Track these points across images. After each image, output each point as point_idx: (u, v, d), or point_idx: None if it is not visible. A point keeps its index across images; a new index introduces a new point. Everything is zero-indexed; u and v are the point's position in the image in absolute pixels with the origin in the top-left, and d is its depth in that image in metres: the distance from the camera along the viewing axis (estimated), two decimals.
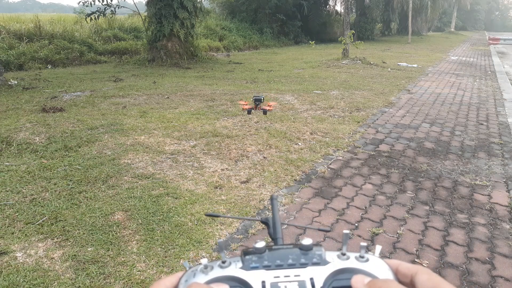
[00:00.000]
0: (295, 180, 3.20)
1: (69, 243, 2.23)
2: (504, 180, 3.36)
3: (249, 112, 2.32)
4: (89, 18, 10.61)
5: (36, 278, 1.93)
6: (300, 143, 4.09)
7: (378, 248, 0.43)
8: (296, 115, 5.22)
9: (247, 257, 0.41)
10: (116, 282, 1.92)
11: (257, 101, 2.35)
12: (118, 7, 11.03)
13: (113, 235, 2.32)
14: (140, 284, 1.92)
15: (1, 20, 12.09)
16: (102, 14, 10.64)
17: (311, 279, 0.38)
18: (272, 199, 0.68)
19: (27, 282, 1.91)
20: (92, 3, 10.69)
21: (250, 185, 3.06)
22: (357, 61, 11.62)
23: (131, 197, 2.78)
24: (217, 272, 0.40)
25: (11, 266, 2.02)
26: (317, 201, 2.87)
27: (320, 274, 0.38)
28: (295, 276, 0.38)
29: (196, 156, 3.63)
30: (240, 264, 0.40)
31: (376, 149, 4.05)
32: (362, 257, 0.40)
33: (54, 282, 1.91)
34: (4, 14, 15.04)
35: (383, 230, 2.49)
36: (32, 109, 5.17)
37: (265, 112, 2.43)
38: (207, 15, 14.08)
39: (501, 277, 2.08)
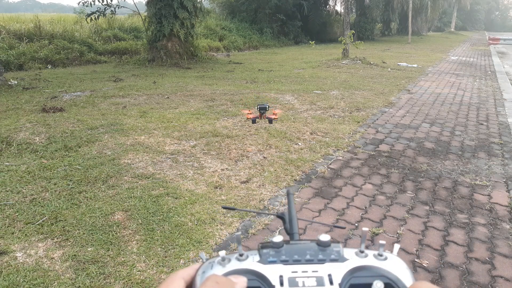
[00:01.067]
0: (295, 180, 3.20)
1: (69, 243, 2.23)
2: (504, 180, 3.36)
3: (253, 121, 2.31)
4: (89, 18, 10.61)
5: (36, 278, 1.93)
6: (300, 143, 4.09)
7: (396, 246, 0.43)
8: (296, 115, 5.22)
9: (265, 251, 0.41)
10: (116, 282, 1.92)
11: (262, 110, 2.34)
12: (118, 7, 11.02)
13: (113, 235, 2.32)
14: (140, 284, 1.92)
15: (1, 20, 12.09)
16: (102, 14, 10.64)
17: (329, 275, 0.38)
18: (288, 193, 0.67)
19: (27, 282, 1.91)
20: (92, 3, 10.69)
21: (250, 185, 3.06)
22: (357, 61, 11.62)
23: (131, 197, 2.78)
24: (234, 265, 0.39)
25: (11, 266, 2.02)
26: (317, 201, 2.87)
27: (338, 270, 0.38)
28: (313, 272, 0.38)
29: (196, 156, 3.63)
30: (257, 258, 0.40)
31: (376, 149, 4.05)
32: (380, 255, 0.40)
33: (54, 282, 1.91)
34: (4, 14, 15.04)
35: (383, 230, 2.49)
36: (32, 109, 5.17)
37: (270, 121, 2.43)
38: (207, 15, 14.08)
39: (501, 277, 2.08)
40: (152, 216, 2.53)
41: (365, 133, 4.57)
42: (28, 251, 2.15)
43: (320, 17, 23.62)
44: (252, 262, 0.40)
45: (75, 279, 1.94)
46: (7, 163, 3.33)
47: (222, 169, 3.34)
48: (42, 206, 2.63)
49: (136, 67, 10.15)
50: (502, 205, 2.89)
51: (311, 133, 4.43)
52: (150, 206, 2.66)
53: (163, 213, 2.58)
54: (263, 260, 0.40)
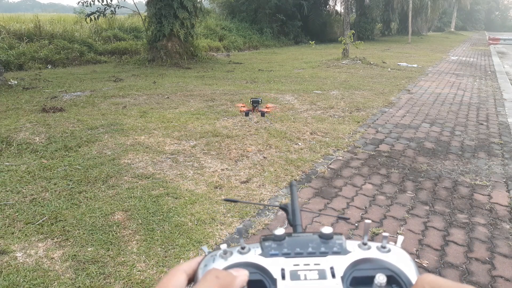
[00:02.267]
0: (295, 180, 3.20)
1: (69, 243, 2.23)
2: (504, 180, 3.36)
3: (246, 114, 2.31)
4: (89, 18, 10.61)
5: (36, 278, 1.93)
6: (300, 143, 4.09)
7: (400, 238, 0.42)
8: (296, 115, 5.22)
9: (267, 243, 0.41)
10: (116, 282, 1.92)
11: (255, 103, 2.34)
12: (118, 7, 11.02)
13: (113, 235, 2.32)
14: (140, 284, 1.92)
15: (1, 20, 12.09)
16: (102, 14, 10.64)
17: (331, 268, 0.37)
18: (291, 185, 0.67)
19: (27, 282, 1.91)
20: (92, 3, 10.68)
21: (250, 185, 3.06)
22: (357, 61, 11.62)
23: (131, 197, 2.78)
24: (236, 258, 0.39)
25: (11, 266, 2.02)
26: (317, 201, 2.87)
27: (340, 263, 0.38)
28: (315, 264, 0.38)
29: (196, 156, 3.63)
30: (259, 251, 0.40)
31: (376, 149, 4.05)
32: (383, 247, 0.40)
33: (54, 282, 1.91)
34: (4, 14, 15.05)
35: (383, 230, 2.49)
36: (32, 109, 5.17)
37: (263, 114, 2.44)
38: (207, 15, 14.07)
39: (501, 277, 2.08)
40: (152, 216, 2.53)
41: (365, 133, 4.57)
42: (28, 251, 2.15)
43: (320, 17, 23.61)
44: (254, 255, 0.40)
45: (75, 279, 1.94)
46: (7, 163, 3.33)
47: (222, 169, 3.34)
48: (42, 206, 2.63)
49: (136, 67, 10.15)
50: (502, 205, 2.89)
51: (311, 133, 4.43)
52: (150, 206, 2.66)
53: (163, 213, 2.58)
54: (264, 253, 0.40)
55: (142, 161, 3.46)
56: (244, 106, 2.20)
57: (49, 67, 9.83)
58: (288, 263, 0.38)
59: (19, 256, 2.11)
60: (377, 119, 5.23)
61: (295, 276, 0.37)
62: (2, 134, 3.96)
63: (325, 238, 0.41)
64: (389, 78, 9.08)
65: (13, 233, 2.32)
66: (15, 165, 3.29)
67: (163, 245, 2.23)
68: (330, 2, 25.18)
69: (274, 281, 0.37)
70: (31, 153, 3.58)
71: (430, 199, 2.96)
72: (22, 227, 2.38)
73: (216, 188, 2.99)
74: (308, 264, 0.38)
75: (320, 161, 3.63)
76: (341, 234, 0.42)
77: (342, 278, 0.36)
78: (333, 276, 0.37)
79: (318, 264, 0.38)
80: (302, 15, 21.71)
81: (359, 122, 5.00)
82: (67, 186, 2.93)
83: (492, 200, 2.97)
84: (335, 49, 15.73)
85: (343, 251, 0.39)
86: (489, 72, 11.04)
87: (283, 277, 0.37)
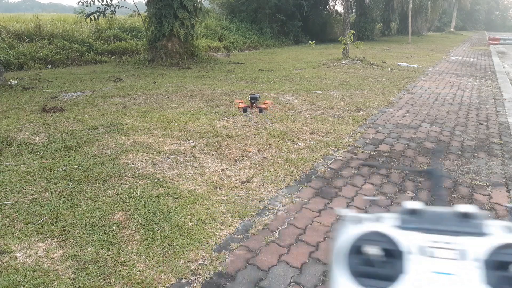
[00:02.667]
0: (295, 180, 3.20)
1: (69, 243, 2.23)
2: (504, 180, 3.36)
3: (244, 110, 2.30)
4: (89, 18, 10.61)
5: (36, 278, 1.93)
6: (300, 143, 4.09)
7: None
8: (296, 115, 5.22)
9: (403, 216, 0.40)
10: (116, 282, 1.92)
11: (253, 100, 2.33)
12: (118, 7, 11.03)
13: (113, 235, 2.32)
14: (140, 284, 1.91)
15: (1, 20, 12.08)
16: (102, 14, 10.65)
17: (469, 249, 0.35)
18: (435, 151, 0.65)
19: (27, 282, 1.91)
20: (92, 3, 10.69)
21: (250, 185, 3.06)
22: (357, 61, 11.62)
23: (131, 197, 2.78)
24: (369, 226, 0.39)
25: (11, 266, 2.02)
26: (317, 201, 2.87)
27: (480, 245, 0.36)
28: (451, 243, 0.36)
29: (196, 156, 3.63)
30: (393, 222, 0.40)
31: (376, 149, 4.05)
32: None
33: (54, 282, 1.91)
34: (4, 14, 15.06)
35: None
36: (32, 109, 5.17)
37: (260, 110, 2.44)
38: (207, 15, 14.09)
39: None
40: (152, 216, 2.53)
41: (365, 133, 4.57)
42: (28, 251, 2.15)
43: (320, 17, 23.62)
44: (388, 226, 0.39)
45: (75, 279, 1.94)
46: (7, 163, 3.33)
47: (222, 169, 3.34)
48: (42, 206, 2.63)
49: (136, 67, 10.15)
50: (502, 205, 2.89)
51: (311, 133, 4.43)
52: (150, 206, 2.66)
53: (163, 213, 2.58)
54: (399, 225, 0.39)
55: (142, 161, 3.46)
56: (242, 102, 2.19)
57: (49, 67, 9.83)
58: (422, 238, 0.37)
59: (19, 256, 2.11)
60: (377, 119, 5.23)
61: (427, 252, 0.36)
62: (2, 134, 3.96)
63: (467, 217, 0.39)
64: (389, 78, 9.08)
65: (13, 233, 2.32)
66: (15, 165, 3.29)
67: (163, 245, 2.23)
68: (330, 2, 25.23)
69: (403, 253, 0.36)
70: (31, 153, 3.58)
71: (430, 199, 2.96)
72: (22, 227, 2.38)
73: (216, 188, 2.99)
74: (443, 242, 0.36)
75: (320, 161, 3.63)
76: (484, 213, 0.40)
77: (481, 261, 0.35)
78: (470, 258, 0.35)
79: (454, 243, 0.36)
80: (302, 15, 21.72)
81: (359, 122, 5.00)
82: (67, 186, 2.93)
83: (492, 200, 2.97)
84: (335, 49, 15.72)
85: (483, 233, 0.37)
86: (489, 72, 11.04)
87: (415, 252, 0.36)
